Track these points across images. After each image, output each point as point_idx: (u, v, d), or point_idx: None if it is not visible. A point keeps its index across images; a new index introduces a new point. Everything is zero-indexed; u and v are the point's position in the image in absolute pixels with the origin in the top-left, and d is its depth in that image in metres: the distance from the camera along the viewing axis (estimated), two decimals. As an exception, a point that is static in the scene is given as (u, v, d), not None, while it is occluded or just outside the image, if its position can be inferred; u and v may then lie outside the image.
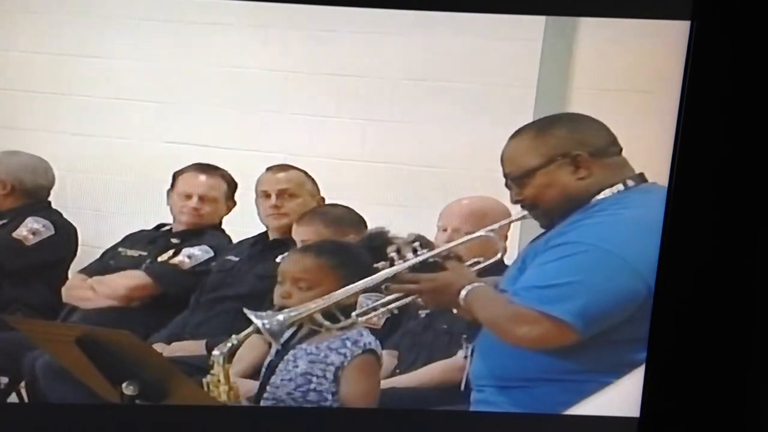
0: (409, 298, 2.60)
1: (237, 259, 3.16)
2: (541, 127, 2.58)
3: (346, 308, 2.64)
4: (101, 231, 3.25)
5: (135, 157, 3.17)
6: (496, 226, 2.66)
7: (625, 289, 2.46)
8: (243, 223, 3.25)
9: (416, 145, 3.08)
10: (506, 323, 2.47)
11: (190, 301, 3.14)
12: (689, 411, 2.88)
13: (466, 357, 2.76)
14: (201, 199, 3.24)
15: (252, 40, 3.08)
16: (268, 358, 2.71)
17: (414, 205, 3.08)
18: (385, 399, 2.73)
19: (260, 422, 2.76)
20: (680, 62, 2.67)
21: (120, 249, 3.24)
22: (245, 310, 2.61)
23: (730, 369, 2.85)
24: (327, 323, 2.62)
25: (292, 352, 2.65)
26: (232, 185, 3.24)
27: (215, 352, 2.63)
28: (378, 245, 2.69)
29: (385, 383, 2.78)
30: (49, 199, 3.25)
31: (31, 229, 3.22)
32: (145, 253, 3.22)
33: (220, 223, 3.29)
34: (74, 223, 3.22)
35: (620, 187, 2.50)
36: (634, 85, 2.85)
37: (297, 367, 2.64)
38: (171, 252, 3.21)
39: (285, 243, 3.06)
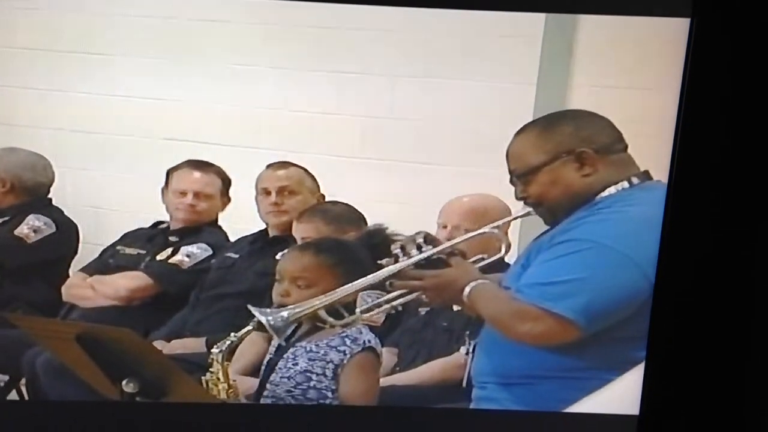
0: (414, 295, 2.58)
1: (237, 256, 3.15)
2: (546, 124, 2.56)
3: (348, 305, 2.63)
4: (101, 228, 3.24)
5: (134, 153, 3.17)
6: (500, 222, 2.65)
7: (628, 286, 2.45)
8: (240, 219, 3.25)
9: (416, 142, 3.09)
10: (509, 320, 2.46)
11: (189, 298, 3.14)
12: (689, 408, 2.88)
13: (468, 353, 2.76)
14: (196, 195, 3.23)
15: (252, 38, 3.08)
16: (268, 356, 2.69)
17: (414, 203, 3.08)
18: (385, 397, 2.72)
19: (260, 420, 2.75)
20: (680, 59, 2.66)
21: (119, 247, 3.24)
22: (249, 306, 2.59)
23: (729, 366, 2.85)
24: (331, 320, 2.61)
25: (291, 349, 2.64)
26: (227, 181, 3.24)
27: (214, 350, 2.62)
28: (377, 242, 2.68)
29: (384, 381, 2.78)
30: (50, 196, 3.24)
31: (32, 227, 3.20)
32: (143, 251, 3.22)
33: (216, 219, 3.29)
34: (74, 220, 3.23)
35: (625, 184, 2.48)
36: (634, 82, 2.85)
37: (297, 364, 2.63)
38: (169, 250, 3.21)
39: (285, 240, 3.06)
